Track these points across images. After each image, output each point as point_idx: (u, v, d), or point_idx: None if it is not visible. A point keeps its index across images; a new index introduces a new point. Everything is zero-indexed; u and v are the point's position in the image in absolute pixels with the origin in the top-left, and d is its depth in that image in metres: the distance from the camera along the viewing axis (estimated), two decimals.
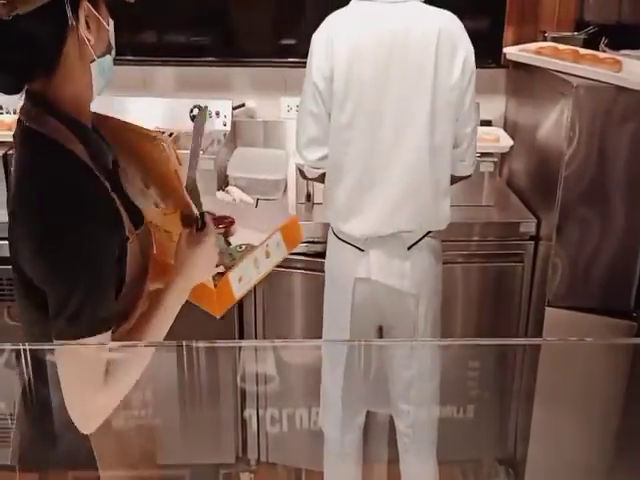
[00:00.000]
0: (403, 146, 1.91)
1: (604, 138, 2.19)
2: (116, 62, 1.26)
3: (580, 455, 2.35)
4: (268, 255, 1.52)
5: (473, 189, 2.49)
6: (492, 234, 2.45)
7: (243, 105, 2.83)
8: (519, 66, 2.61)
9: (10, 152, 2.35)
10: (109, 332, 1.17)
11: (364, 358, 2.11)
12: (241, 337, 2.50)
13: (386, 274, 2.03)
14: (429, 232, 2.05)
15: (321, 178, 2.07)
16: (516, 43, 2.71)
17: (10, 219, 1.18)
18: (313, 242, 2.41)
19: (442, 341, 2.17)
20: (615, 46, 2.59)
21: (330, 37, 1.88)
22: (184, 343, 1.28)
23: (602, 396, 2.34)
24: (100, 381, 1.15)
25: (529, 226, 2.44)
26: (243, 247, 1.51)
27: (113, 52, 1.25)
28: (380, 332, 2.18)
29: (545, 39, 2.67)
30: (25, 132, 1.18)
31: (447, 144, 1.94)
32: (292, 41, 2.86)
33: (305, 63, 2.75)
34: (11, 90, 1.18)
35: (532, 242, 2.45)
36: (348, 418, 2.23)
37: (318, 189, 2.41)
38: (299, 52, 2.85)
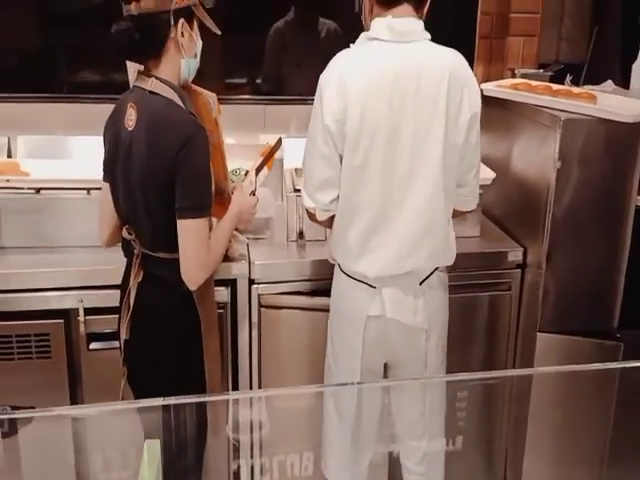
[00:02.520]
0: (417, 185, 1.91)
1: (589, 167, 2.32)
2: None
3: None
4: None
5: (458, 221, 2.55)
6: (481, 264, 2.52)
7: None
8: (492, 101, 2.72)
9: None
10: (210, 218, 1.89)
11: (374, 398, 2.10)
12: (235, 380, 2.44)
13: (400, 311, 2.02)
14: (438, 267, 2.08)
15: (330, 221, 2.05)
16: (485, 80, 2.85)
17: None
18: (309, 280, 2.40)
19: (453, 376, 2.19)
20: (578, 82, 2.77)
21: (343, 78, 1.86)
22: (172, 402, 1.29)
23: (593, 424, 2.44)
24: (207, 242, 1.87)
25: (516, 255, 2.53)
26: (237, 171, 2.22)
27: (198, 59, 1.92)
28: (385, 368, 2.16)
29: (514, 76, 2.82)
30: (144, 95, 1.85)
31: (454, 181, 1.99)
32: (273, 81, 2.89)
33: (284, 100, 2.77)
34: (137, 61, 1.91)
35: (519, 270, 2.54)
36: (355, 461, 2.18)
37: (309, 227, 2.42)
38: (280, 90, 2.90)
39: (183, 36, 1.83)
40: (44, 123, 2.73)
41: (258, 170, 2.18)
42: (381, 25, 1.88)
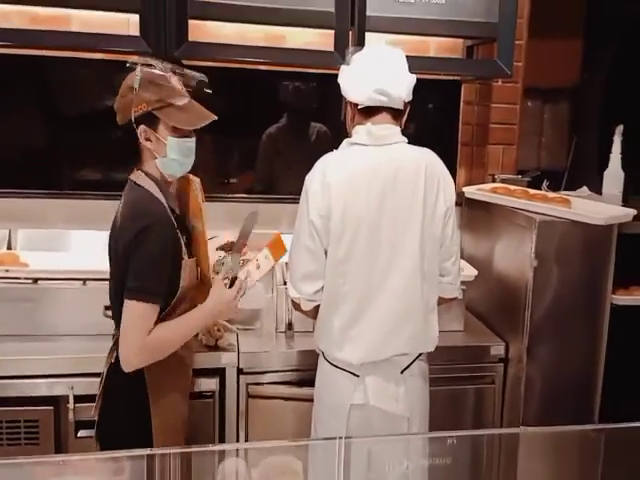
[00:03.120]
0: (396, 273, 2.02)
1: (565, 266, 2.44)
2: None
3: None
4: (258, 267, 2.14)
5: (442, 316, 2.63)
6: (464, 357, 2.60)
7: (215, 237, 2.92)
8: (473, 204, 2.87)
9: None
10: (157, 307, 1.90)
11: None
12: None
13: (382, 399, 2.08)
14: (419, 355, 2.15)
15: (315, 311, 2.13)
16: (467, 184, 3.01)
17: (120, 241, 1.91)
18: (296, 370, 2.46)
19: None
20: (555, 188, 2.93)
21: (327, 178, 2.00)
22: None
23: None
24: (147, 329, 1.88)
25: (498, 349, 2.61)
26: (241, 261, 2.14)
27: (176, 157, 1.97)
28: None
29: (494, 180, 2.97)
30: (130, 185, 2.00)
31: (434, 269, 2.09)
32: (265, 181, 3.05)
33: (276, 199, 2.89)
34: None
35: (502, 364, 2.61)
36: None
37: (298, 318, 2.50)
38: (272, 190, 3.04)
39: (150, 140, 1.94)
40: (44, 217, 2.84)
41: (237, 246, 2.18)
42: (361, 131, 2.04)
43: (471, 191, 2.81)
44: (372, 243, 2.01)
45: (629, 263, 2.52)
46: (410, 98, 2.06)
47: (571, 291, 2.46)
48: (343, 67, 2.08)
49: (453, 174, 3.03)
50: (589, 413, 2.51)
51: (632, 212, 2.47)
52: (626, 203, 2.70)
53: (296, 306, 2.17)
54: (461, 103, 3.05)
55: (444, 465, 1.83)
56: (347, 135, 2.12)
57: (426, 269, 2.06)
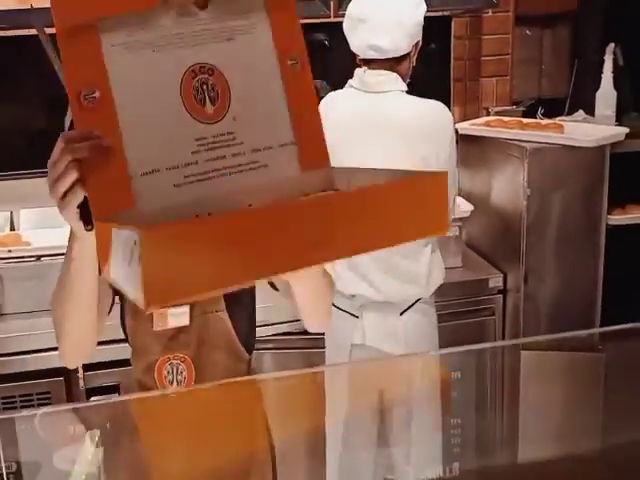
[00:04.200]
0: None
1: (556, 193, 2.41)
2: None
3: None
4: None
5: (441, 253, 2.63)
6: (463, 292, 2.58)
7: None
8: (468, 139, 2.82)
9: None
10: None
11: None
12: None
13: (380, 338, 2.09)
14: (419, 298, 2.14)
15: None
16: (462, 120, 2.96)
17: None
18: (288, 322, 2.45)
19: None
20: (549, 115, 2.87)
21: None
22: None
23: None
24: None
25: (497, 281, 2.59)
26: None
27: None
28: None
29: (489, 114, 2.92)
30: None
31: None
32: None
33: None
34: None
35: (501, 295, 2.60)
36: None
37: None
38: None
39: None
40: (46, 197, 2.88)
41: None
42: (357, 75, 2.05)
43: (464, 127, 2.77)
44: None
45: (625, 182, 2.47)
46: (417, 39, 2.03)
47: (566, 216, 2.43)
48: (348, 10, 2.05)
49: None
50: (591, 334, 2.49)
51: (623, 131, 2.42)
52: (620, 122, 2.63)
53: None
54: (452, 38, 2.99)
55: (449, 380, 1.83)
56: None
57: None
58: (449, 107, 2.97)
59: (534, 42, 3.47)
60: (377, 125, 1.98)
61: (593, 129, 2.46)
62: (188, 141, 0.98)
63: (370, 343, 2.09)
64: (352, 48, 2.04)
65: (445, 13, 2.89)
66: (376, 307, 2.09)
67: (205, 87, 1.00)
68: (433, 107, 2.06)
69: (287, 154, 1.05)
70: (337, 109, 2.02)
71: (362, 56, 2.02)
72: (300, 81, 1.06)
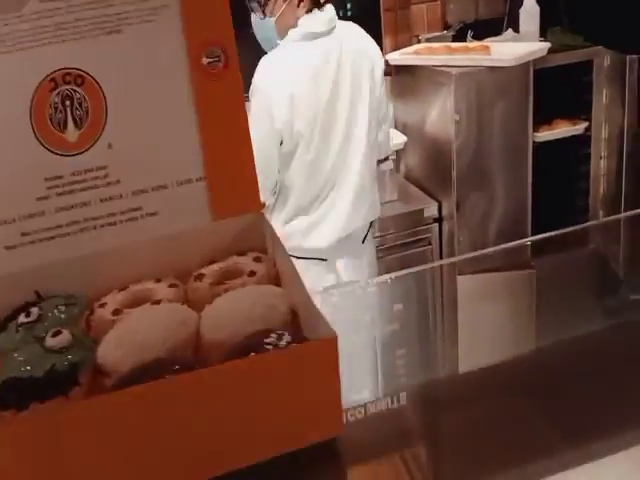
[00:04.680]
0: (354, 148, 2.01)
1: (485, 115, 2.40)
2: None
3: None
4: None
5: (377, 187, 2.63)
6: (402, 225, 2.59)
7: None
8: (401, 70, 2.78)
9: None
10: None
11: None
12: None
13: (351, 273, 2.11)
14: (371, 223, 2.17)
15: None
16: (395, 50, 2.90)
17: None
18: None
19: None
20: (479, 37, 2.82)
21: (288, 88, 1.87)
22: None
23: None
24: None
25: (431, 210, 2.60)
26: None
27: None
28: None
29: (419, 42, 2.87)
30: None
31: (374, 138, 2.09)
32: None
33: None
34: None
35: (436, 224, 2.61)
36: None
37: None
38: None
39: None
40: None
41: None
42: (314, 19, 1.93)
43: (394, 57, 2.72)
44: (330, 129, 1.97)
45: (552, 97, 2.46)
46: None
47: (493, 138, 2.43)
48: None
49: (379, 42, 2.98)
50: (522, 251, 2.54)
51: (545, 46, 2.38)
52: (545, 38, 2.59)
53: None
54: None
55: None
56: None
57: (372, 139, 2.06)
58: (380, 38, 2.95)
59: None
60: (341, 60, 1.95)
61: (517, 47, 2.42)
62: (34, 182, 0.72)
63: (345, 279, 2.10)
64: None
65: None
66: (340, 244, 2.07)
67: (69, 104, 0.73)
68: (368, 37, 2.07)
69: (190, 196, 0.76)
70: (310, 65, 1.91)
71: None
72: (221, 87, 0.75)
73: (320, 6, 1.95)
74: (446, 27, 2.96)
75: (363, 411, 0.80)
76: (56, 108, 0.73)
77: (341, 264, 2.11)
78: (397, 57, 2.73)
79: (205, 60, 0.74)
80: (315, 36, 1.92)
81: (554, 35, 2.55)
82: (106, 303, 0.73)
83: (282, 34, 1.94)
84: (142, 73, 0.74)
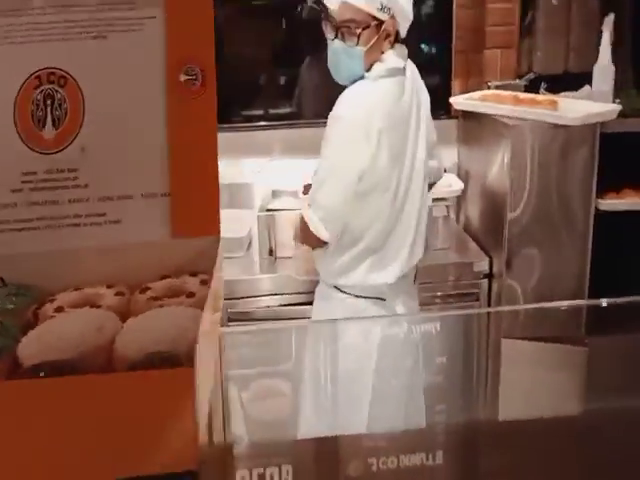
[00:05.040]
0: (415, 185, 2.01)
1: (543, 173, 2.31)
2: None
3: None
4: None
5: (429, 233, 2.57)
6: (449, 275, 2.52)
7: None
8: (467, 115, 2.75)
9: None
10: None
11: None
12: None
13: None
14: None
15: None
16: (464, 93, 2.87)
17: None
18: (277, 294, 2.48)
19: None
20: (554, 90, 2.74)
21: (376, 124, 1.86)
22: None
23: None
24: None
25: (482, 265, 2.51)
26: None
27: None
28: None
29: (489, 88, 2.82)
30: None
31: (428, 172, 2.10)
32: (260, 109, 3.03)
33: (265, 127, 2.82)
34: None
35: (486, 280, 2.52)
36: None
37: (279, 244, 2.52)
38: (264, 117, 3.03)
39: None
40: None
41: None
42: (393, 56, 1.93)
43: (458, 101, 2.69)
44: (402, 166, 1.97)
45: (623, 163, 2.36)
46: None
47: (552, 199, 2.32)
48: None
49: (448, 85, 2.96)
50: (577, 324, 2.41)
51: (615, 108, 2.29)
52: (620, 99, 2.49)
53: (313, 241, 2.01)
54: (454, 7, 2.89)
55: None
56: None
57: (427, 171, 2.07)
58: (450, 79, 2.94)
59: (560, 14, 3.32)
60: (414, 101, 2.00)
61: (585, 106, 2.34)
62: (11, 174, 0.74)
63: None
64: (405, 27, 1.93)
65: None
66: (400, 284, 2.04)
67: (50, 102, 0.74)
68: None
69: (153, 209, 0.77)
70: (394, 101, 1.92)
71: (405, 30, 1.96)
72: (195, 106, 0.75)
73: (398, 42, 1.95)
74: (520, 76, 2.90)
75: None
76: (37, 106, 0.74)
77: (399, 305, 2.06)
78: (461, 101, 2.70)
79: (182, 77, 0.75)
80: (398, 72, 1.93)
81: (629, 98, 2.46)
82: (55, 299, 0.74)
83: (367, 66, 1.92)
84: (121, 81, 0.75)
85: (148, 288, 0.74)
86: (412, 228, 2.04)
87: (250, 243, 2.71)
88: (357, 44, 1.87)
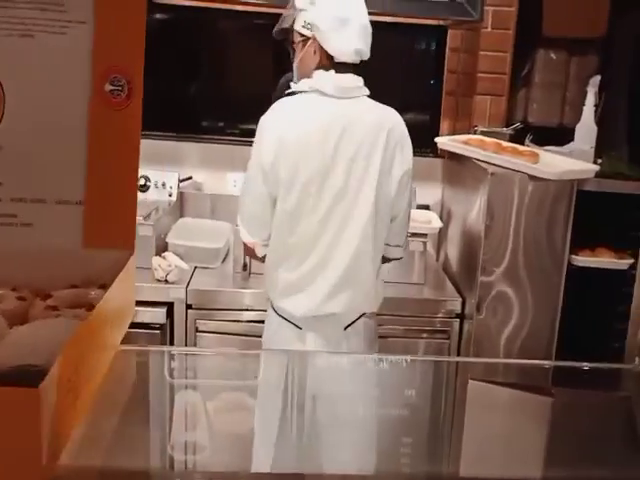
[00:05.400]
0: (349, 231, 1.95)
1: (518, 224, 2.32)
2: None
3: None
4: None
5: (404, 267, 2.58)
6: (420, 311, 2.53)
7: (190, 178, 2.98)
8: (452, 156, 2.77)
9: None
10: None
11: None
12: None
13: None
14: (364, 313, 2.07)
15: (264, 257, 2.08)
16: (451, 135, 2.89)
17: None
18: (248, 310, 2.48)
19: None
20: (540, 143, 2.76)
21: (281, 131, 1.90)
22: None
23: None
24: None
25: (454, 304, 2.52)
26: None
27: None
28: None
29: (475, 132, 2.84)
30: None
31: (383, 231, 2.02)
32: (246, 123, 3.04)
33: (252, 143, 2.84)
34: None
35: (457, 320, 2.53)
36: None
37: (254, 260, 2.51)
38: (248, 132, 3.03)
39: None
40: None
41: None
42: (325, 79, 1.93)
43: (442, 141, 2.70)
44: (323, 199, 1.93)
45: (599, 223, 2.37)
46: None
47: (525, 250, 2.33)
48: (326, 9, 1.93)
49: (436, 125, 2.99)
50: (543, 373, 2.40)
51: (592, 168, 2.31)
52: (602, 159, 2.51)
53: (249, 251, 2.10)
54: (447, 50, 2.92)
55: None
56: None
57: (378, 231, 1.99)
58: (438, 121, 2.96)
59: (559, 67, 3.35)
60: (348, 130, 1.91)
61: (564, 162, 2.36)
62: None
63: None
64: (331, 50, 1.93)
65: (441, 22, 2.82)
66: (320, 320, 2.00)
67: None
68: (396, 116, 2.00)
69: (66, 217, 0.74)
70: (307, 117, 1.93)
71: (344, 59, 1.93)
72: (118, 117, 0.73)
73: (338, 68, 1.93)
74: (508, 124, 2.92)
75: None
76: None
77: (313, 343, 2.01)
78: (445, 142, 2.72)
79: (108, 87, 0.73)
80: (323, 94, 1.93)
81: (610, 160, 2.47)
82: None
83: (298, 81, 2.00)
84: (44, 84, 0.73)
85: (50, 296, 0.73)
86: (339, 270, 1.97)
87: (227, 256, 2.71)
88: (293, 58, 2.02)
